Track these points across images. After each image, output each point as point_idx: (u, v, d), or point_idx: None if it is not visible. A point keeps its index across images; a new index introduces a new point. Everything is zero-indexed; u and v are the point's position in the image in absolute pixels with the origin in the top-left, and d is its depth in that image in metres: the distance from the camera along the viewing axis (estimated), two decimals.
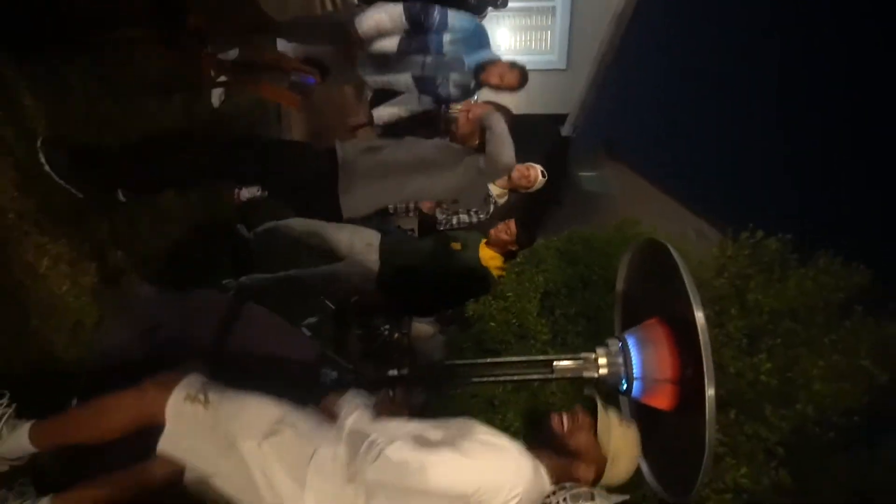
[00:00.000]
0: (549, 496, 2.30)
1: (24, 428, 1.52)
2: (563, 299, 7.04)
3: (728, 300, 5.83)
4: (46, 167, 1.70)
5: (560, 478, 1.50)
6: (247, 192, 3.30)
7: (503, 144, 2.19)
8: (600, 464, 1.52)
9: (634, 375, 1.87)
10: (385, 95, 6.02)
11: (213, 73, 2.31)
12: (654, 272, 2.04)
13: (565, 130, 8.20)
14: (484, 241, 3.32)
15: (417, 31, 2.71)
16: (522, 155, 3.64)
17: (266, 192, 3.29)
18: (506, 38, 7.53)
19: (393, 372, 2.07)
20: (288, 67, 2.33)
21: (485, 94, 3.19)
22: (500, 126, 2.23)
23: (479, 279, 3.32)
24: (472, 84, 2.97)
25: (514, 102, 8.32)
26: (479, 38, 2.92)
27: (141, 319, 1.78)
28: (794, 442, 5.15)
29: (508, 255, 3.41)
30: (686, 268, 1.72)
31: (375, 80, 2.90)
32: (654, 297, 2.07)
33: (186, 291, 1.98)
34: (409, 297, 3.23)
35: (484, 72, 2.88)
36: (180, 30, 1.92)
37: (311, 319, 4.21)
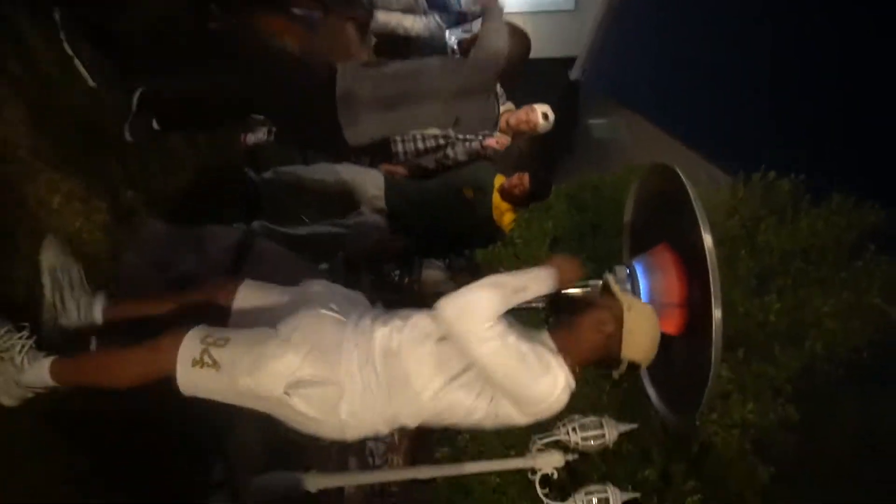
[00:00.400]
0: (558, 426, 2.37)
1: (45, 363, 1.57)
2: (573, 245, 7.03)
3: (738, 242, 5.80)
4: (66, 45, 1.68)
5: (583, 356, 1.59)
6: (253, 137, 3.29)
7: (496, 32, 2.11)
8: (618, 323, 1.59)
9: (644, 300, 1.89)
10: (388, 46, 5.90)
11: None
12: (662, 199, 2.04)
13: (574, 74, 8.03)
14: (497, 189, 3.26)
15: None
16: (525, 98, 3.56)
17: (272, 137, 3.29)
18: None
19: None
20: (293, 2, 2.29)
21: None
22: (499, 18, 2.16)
23: (490, 230, 3.31)
24: None
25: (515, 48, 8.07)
26: None
27: (154, 255, 1.81)
28: (803, 379, 5.20)
29: (521, 205, 3.37)
30: (694, 190, 1.71)
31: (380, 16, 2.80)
32: (663, 223, 2.07)
33: (197, 227, 2.01)
34: (417, 241, 3.23)
35: None
36: None
37: (323, 266, 4.25)
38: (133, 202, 1.99)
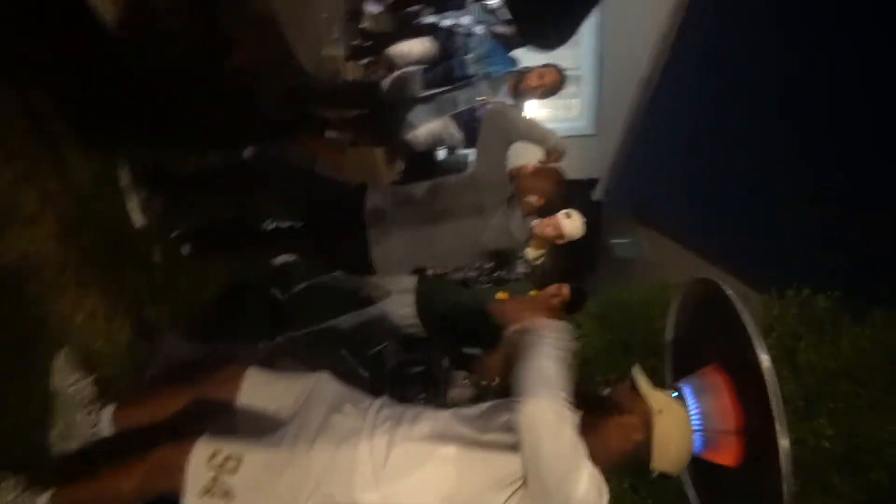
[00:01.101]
0: None
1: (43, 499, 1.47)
2: (604, 366, 6.79)
3: (778, 361, 5.53)
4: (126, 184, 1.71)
5: (609, 462, 1.44)
6: (279, 258, 3.28)
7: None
8: (648, 429, 1.46)
9: (694, 427, 1.73)
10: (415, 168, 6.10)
11: None
12: (706, 316, 1.93)
13: (597, 195, 8.19)
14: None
15: (442, 58, 2.72)
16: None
17: (297, 257, 3.29)
18: (533, 106, 7.69)
19: None
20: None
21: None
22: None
23: None
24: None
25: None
26: (499, 52, 2.89)
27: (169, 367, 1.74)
28: None
29: (557, 318, 3.22)
30: (743, 307, 1.61)
31: (410, 134, 2.86)
32: (709, 343, 1.94)
33: (220, 345, 1.95)
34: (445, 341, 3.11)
35: (521, 81, 2.83)
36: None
37: None
38: (156, 319, 1.95)
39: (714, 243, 8.52)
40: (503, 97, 2.81)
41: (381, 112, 2.75)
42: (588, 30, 7.23)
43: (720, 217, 8.17)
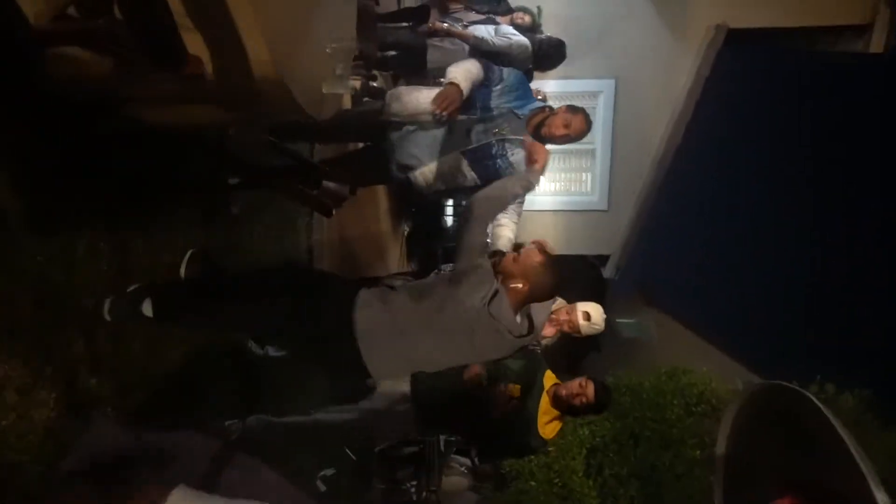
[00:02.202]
0: None
1: None
2: (613, 457, 6.28)
3: None
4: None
5: None
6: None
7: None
8: None
9: None
10: (422, 231, 5.84)
11: None
12: (777, 432, 1.55)
13: (607, 273, 7.90)
14: (548, 392, 2.79)
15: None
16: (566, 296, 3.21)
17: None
18: (546, 180, 7.52)
19: None
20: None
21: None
22: None
23: (529, 438, 2.77)
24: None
25: (556, 242, 8.13)
26: (524, 87, 2.61)
27: (94, 464, 1.35)
28: None
29: (574, 415, 2.86)
30: (841, 424, 1.24)
31: (417, 171, 2.55)
32: (777, 467, 1.55)
33: (161, 433, 1.56)
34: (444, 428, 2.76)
35: (544, 126, 2.51)
36: None
37: (328, 472, 3.66)
38: (94, 392, 1.58)
39: (726, 330, 8.19)
40: (521, 136, 2.52)
41: (384, 145, 2.47)
42: (603, 104, 7.16)
43: (733, 303, 7.87)
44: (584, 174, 7.65)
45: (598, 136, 7.38)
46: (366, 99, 2.76)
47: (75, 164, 1.60)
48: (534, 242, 2.11)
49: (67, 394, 1.51)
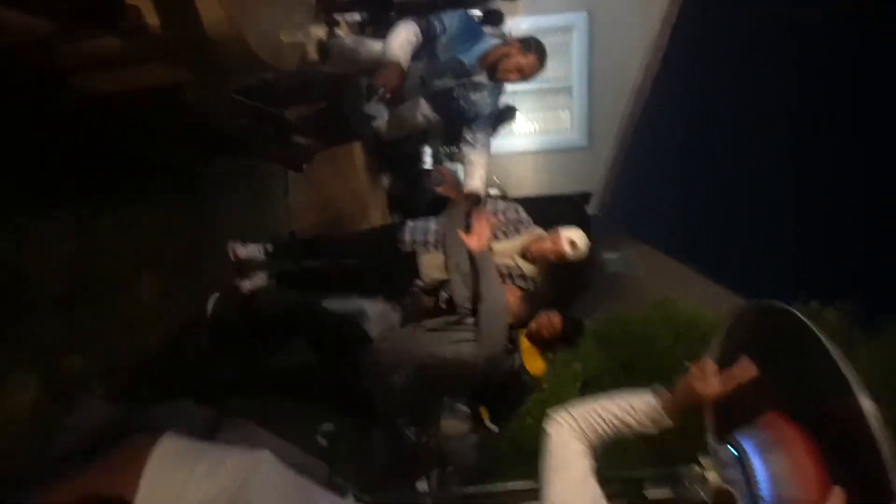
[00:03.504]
0: None
1: None
2: (607, 389, 6.43)
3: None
4: None
5: None
6: (244, 250, 2.85)
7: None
8: None
9: (763, 495, 1.35)
10: (406, 183, 5.75)
11: None
12: (761, 351, 1.56)
13: (591, 210, 7.89)
14: (524, 335, 2.83)
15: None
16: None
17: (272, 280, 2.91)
18: (523, 121, 7.41)
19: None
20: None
21: None
22: None
23: (522, 383, 2.82)
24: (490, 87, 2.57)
25: (538, 183, 8.05)
26: (470, 29, 2.52)
27: (86, 443, 1.32)
28: None
29: (550, 349, 2.90)
30: (828, 337, 1.25)
31: (389, 127, 2.52)
32: (767, 384, 1.57)
33: (152, 406, 1.54)
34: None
35: (498, 71, 2.47)
36: None
37: (328, 427, 3.70)
38: (78, 373, 1.54)
39: (710, 256, 8.24)
40: (479, 77, 2.46)
41: (348, 101, 2.42)
42: (577, 39, 6.99)
43: (716, 229, 7.92)
44: (562, 112, 7.52)
45: (574, 73, 7.23)
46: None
47: (35, 145, 1.53)
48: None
49: (49, 377, 1.48)
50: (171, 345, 2.00)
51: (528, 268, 2.89)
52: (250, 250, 2.88)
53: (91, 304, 1.66)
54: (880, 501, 1.12)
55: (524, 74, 2.46)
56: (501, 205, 2.95)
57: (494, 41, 2.59)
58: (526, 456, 4.77)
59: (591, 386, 6.23)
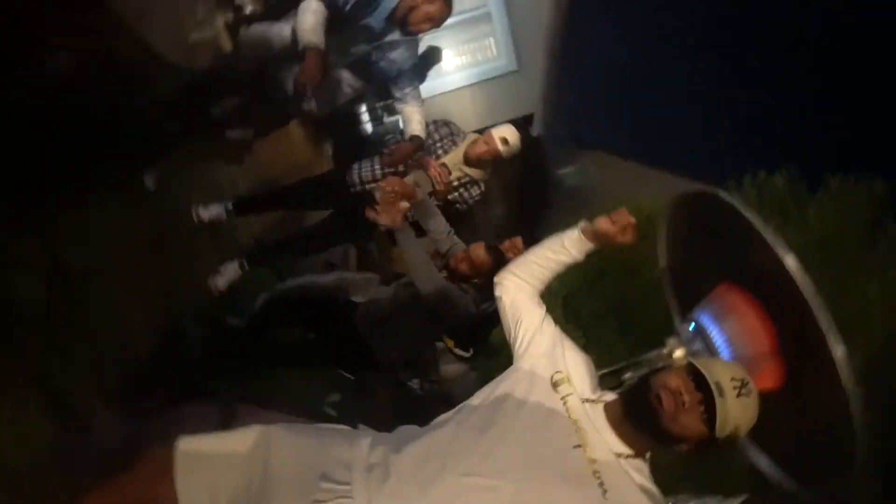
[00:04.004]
0: None
1: None
2: (586, 298, 6.67)
3: None
4: None
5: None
6: (207, 212, 2.91)
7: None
8: (703, 446, 1.20)
9: (724, 358, 1.52)
10: (346, 145, 5.75)
11: None
12: (701, 232, 1.71)
13: (536, 131, 7.96)
14: None
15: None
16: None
17: (245, 267, 2.98)
18: (449, 56, 7.35)
19: None
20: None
21: None
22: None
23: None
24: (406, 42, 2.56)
25: (480, 119, 8.07)
26: None
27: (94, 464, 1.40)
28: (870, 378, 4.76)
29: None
30: (748, 208, 1.39)
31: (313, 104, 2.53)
32: (711, 260, 1.73)
33: (164, 411, 1.62)
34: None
35: (409, 24, 2.49)
36: None
37: (334, 397, 3.84)
38: (75, 395, 1.59)
39: (660, 148, 8.47)
40: (392, 36, 2.48)
41: (273, 88, 2.43)
42: None
43: (660, 119, 8.09)
44: (486, 40, 7.47)
45: None
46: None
47: None
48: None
49: (56, 410, 1.53)
50: (162, 344, 2.05)
51: (474, 172, 3.07)
52: (213, 211, 2.93)
53: (70, 321, 1.69)
54: (816, 338, 1.28)
55: (435, 21, 2.47)
56: (432, 125, 3.07)
57: None
58: None
59: (573, 299, 6.47)
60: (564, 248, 1.48)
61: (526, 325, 1.42)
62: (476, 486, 1.11)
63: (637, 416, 1.19)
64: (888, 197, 5.70)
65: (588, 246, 1.47)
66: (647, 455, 1.24)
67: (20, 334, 1.52)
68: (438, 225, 2.62)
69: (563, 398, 1.24)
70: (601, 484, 1.12)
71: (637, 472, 1.18)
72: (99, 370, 1.74)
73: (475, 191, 3.11)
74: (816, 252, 5.68)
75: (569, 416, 1.21)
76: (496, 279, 1.55)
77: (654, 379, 1.20)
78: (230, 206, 2.99)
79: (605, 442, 1.19)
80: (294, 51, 2.32)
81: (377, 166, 2.97)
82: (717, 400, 1.12)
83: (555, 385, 1.27)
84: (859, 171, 5.69)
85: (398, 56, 2.57)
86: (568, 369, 1.30)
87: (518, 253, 3.06)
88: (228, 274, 2.97)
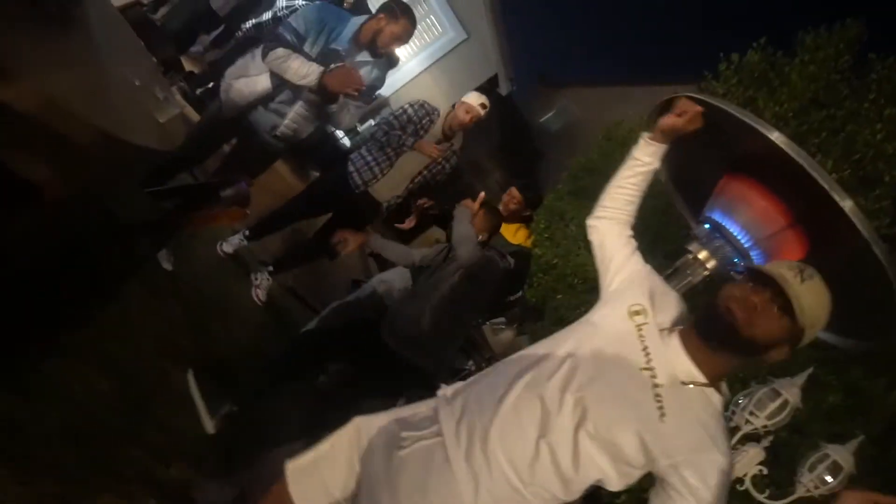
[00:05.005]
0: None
1: None
2: None
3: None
4: None
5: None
6: (229, 245, 3.19)
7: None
8: (794, 340, 1.18)
9: (745, 245, 1.57)
10: (329, 167, 5.83)
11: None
12: (686, 137, 1.75)
13: (504, 90, 7.94)
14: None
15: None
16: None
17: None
18: (403, 47, 7.35)
19: None
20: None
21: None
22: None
23: (518, 266, 3.11)
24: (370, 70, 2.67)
25: (447, 97, 8.10)
26: (329, 16, 2.56)
27: None
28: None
29: (525, 218, 3.24)
30: (719, 99, 1.43)
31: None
32: (707, 160, 1.77)
33: (258, 461, 1.72)
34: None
35: (377, 46, 2.54)
36: None
37: (401, 403, 3.94)
38: (178, 477, 1.70)
39: (626, 65, 8.42)
40: (362, 56, 2.54)
41: (249, 132, 2.53)
42: None
43: (622, 37, 8.06)
44: (427, 19, 7.46)
45: None
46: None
47: None
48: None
49: (153, 492, 1.63)
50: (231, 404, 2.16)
51: (454, 142, 3.28)
52: (233, 242, 3.20)
53: (141, 409, 1.80)
54: (823, 199, 1.32)
55: (403, 40, 2.54)
56: (410, 110, 3.21)
57: (360, 18, 2.66)
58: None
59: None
60: (636, 159, 1.47)
61: (616, 263, 1.42)
62: (538, 396, 1.18)
63: (716, 336, 1.18)
64: (865, 33, 5.66)
65: (659, 148, 1.45)
66: (723, 386, 1.23)
67: (98, 433, 1.61)
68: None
69: (638, 326, 1.26)
70: (660, 407, 1.14)
71: (704, 405, 1.18)
72: (183, 445, 1.84)
73: (454, 160, 3.32)
74: (810, 112, 5.66)
75: (641, 342, 1.23)
76: (588, 222, 1.54)
77: (718, 296, 1.19)
78: (247, 233, 3.22)
79: (676, 369, 1.19)
80: (276, 93, 2.48)
81: (375, 166, 3.14)
82: (785, 287, 1.12)
83: (632, 314, 1.29)
84: (829, 20, 5.63)
85: (367, 74, 2.64)
86: (647, 302, 1.30)
87: (517, 202, 3.21)
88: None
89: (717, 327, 1.18)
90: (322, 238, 3.34)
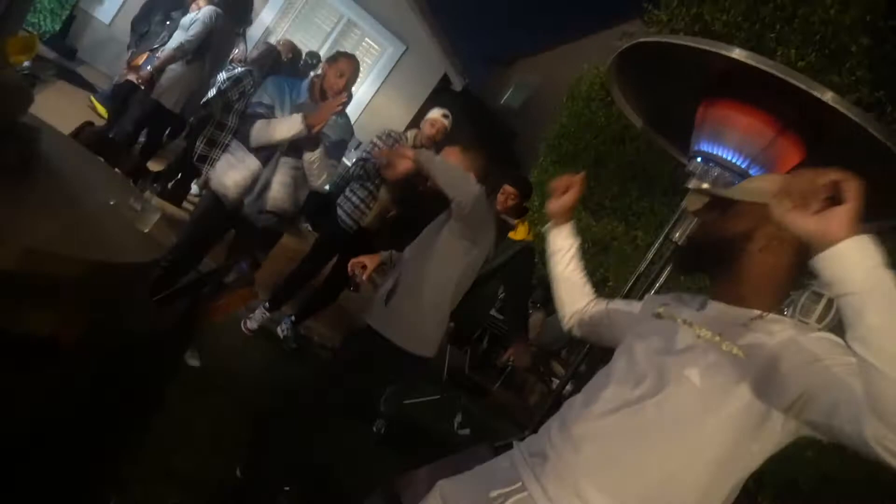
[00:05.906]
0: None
1: None
2: (597, 188, 6.72)
3: (708, 35, 5.54)
4: None
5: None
6: (254, 322, 3.33)
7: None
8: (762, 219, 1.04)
9: (742, 166, 1.56)
10: (314, 208, 5.85)
11: None
12: (652, 78, 1.74)
13: (458, 85, 7.94)
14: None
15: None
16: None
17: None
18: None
19: None
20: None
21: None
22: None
23: (527, 255, 3.21)
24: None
25: (407, 110, 8.08)
26: (284, 83, 2.64)
27: None
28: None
29: (523, 212, 3.23)
30: (665, 34, 1.42)
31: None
32: (676, 93, 1.76)
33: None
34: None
35: (327, 92, 2.58)
36: None
37: (458, 418, 3.94)
38: None
39: (568, 23, 8.44)
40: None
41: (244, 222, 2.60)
42: None
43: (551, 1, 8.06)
44: (363, 43, 7.47)
45: (338, 4, 7.21)
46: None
47: None
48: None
49: None
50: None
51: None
52: (256, 317, 3.32)
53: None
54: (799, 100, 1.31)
55: (346, 73, 2.57)
56: (379, 142, 3.42)
57: (310, 74, 2.70)
58: (598, 286, 5.25)
59: (587, 199, 6.57)
60: (559, 250, 1.45)
61: (619, 328, 1.33)
62: (597, 413, 1.14)
63: (704, 262, 1.16)
64: None
65: (567, 226, 1.44)
66: (787, 309, 1.16)
67: None
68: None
69: (672, 318, 1.17)
70: (731, 351, 1.02)
71: (775, 327, 1.02)
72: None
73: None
74: (759, 6, 5.65)
75: (687, 328, 1.13)
76: (568, 329, 1.50)
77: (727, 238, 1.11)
78: (266, 305, 3.35)
79: (729, 322, 1.07)
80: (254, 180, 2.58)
81: (360, 204, 3.33)
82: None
83: (657, 315, 1.20)
84: None
85: (333, 123, 2.72)
86: (664, 309, 1.22)
87: (513, 198, 3.17)
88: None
89: (697, 255, 1.20)
90: (335, 278, 3.44)
